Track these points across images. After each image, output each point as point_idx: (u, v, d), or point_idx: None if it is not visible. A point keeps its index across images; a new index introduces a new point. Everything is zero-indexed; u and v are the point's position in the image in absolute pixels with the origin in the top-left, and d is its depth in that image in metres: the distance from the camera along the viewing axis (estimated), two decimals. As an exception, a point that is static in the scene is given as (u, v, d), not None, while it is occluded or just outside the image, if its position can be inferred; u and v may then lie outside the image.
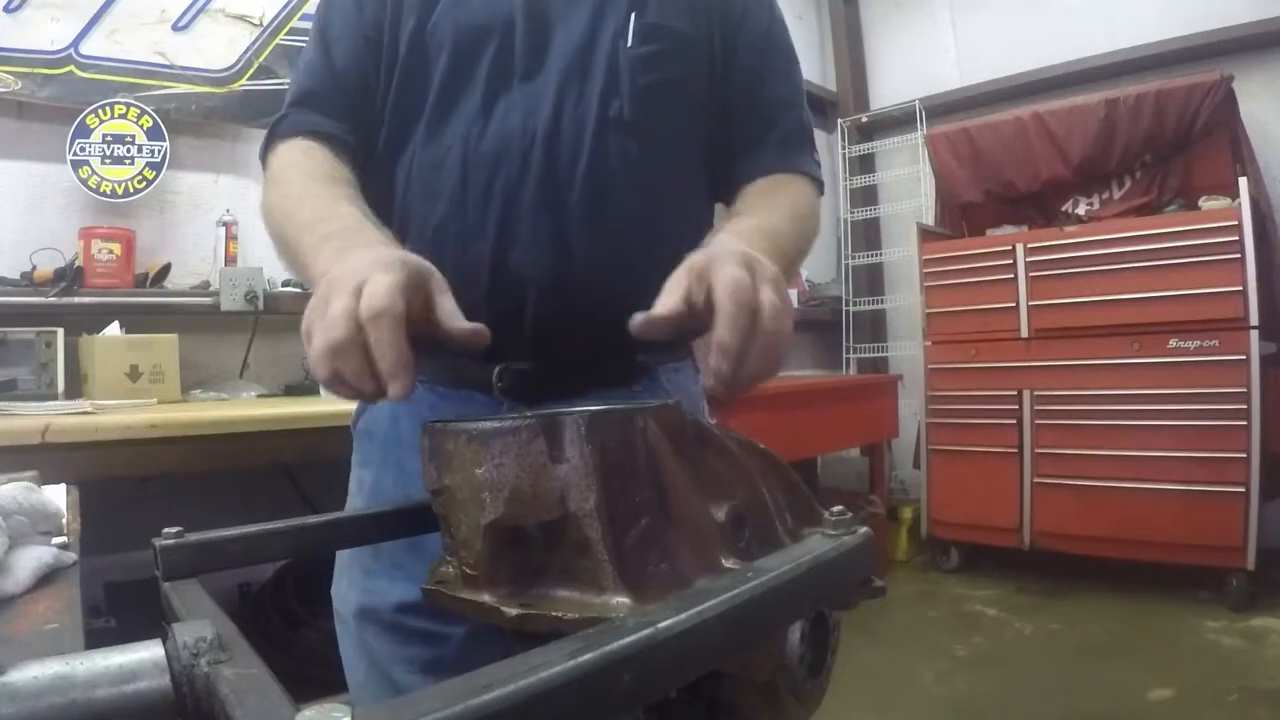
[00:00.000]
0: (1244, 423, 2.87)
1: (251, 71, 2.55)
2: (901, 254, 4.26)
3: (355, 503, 0.88)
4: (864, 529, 0.46)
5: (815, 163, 0.95)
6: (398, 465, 0.83)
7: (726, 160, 0.91)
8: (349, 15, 0.87)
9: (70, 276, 2.07)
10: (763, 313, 0.55)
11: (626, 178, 0.80)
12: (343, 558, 0.86)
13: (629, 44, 0.83)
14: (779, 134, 0.92)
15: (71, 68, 2.23)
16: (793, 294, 3.43)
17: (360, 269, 0.54)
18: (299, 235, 0.71)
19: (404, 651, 0.80)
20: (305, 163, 0.81)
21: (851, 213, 4.61)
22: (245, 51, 2.55)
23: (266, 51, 2.58)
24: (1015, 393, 3.39)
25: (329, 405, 1.74)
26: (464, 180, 0.81)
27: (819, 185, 0.94)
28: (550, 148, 0.80)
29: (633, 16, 0.84)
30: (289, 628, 2.09)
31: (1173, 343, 3.03)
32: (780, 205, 0.86)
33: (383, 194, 0.85)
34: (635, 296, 0.77)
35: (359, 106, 0.86)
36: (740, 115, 0.91)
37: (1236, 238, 2.90)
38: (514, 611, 0.44)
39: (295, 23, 2.62)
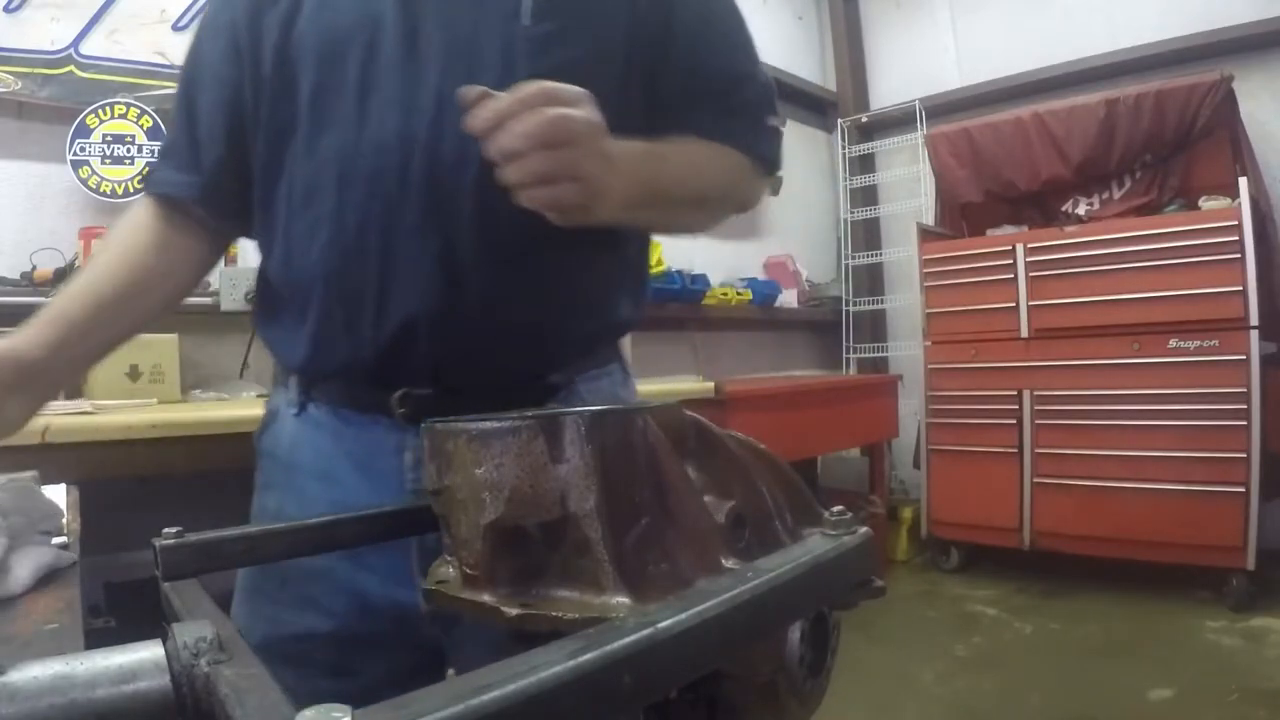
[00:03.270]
0: (1244, 423, 2.86)
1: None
2: (901, 254, 4.26)
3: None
4: (864, 529, 0.46)
5: (766, 140, 0.85)
6: (300, 491, 0.78)
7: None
8: (211, 57, 0.82)
9: (70, 276, 2.06)
10: (549, 99, 0.57)
11: None
12: (245, 584, 0.80)
13: (526, 22, 0.74)
14: (720, 105, 0.82)
15: (71, 68, 2.23)
16: (790, 295, 3.39)
17: None
18: None
19: (307, 685, 0.73)
20: (120, 233, 0.82)
21: (851, 213, 4.61)
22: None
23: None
24: (1015, 393, 3.39)
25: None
26: (340, 202, 0.73)
27: (765, 166, 0.85)
28: (433, 154, 0.71)
29: None
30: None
31: (1173, 343, 3.03)
32: (689, 143, 0.77)
33: (268, 223, 0.80)
34: (540, 319, 0.76)
35: (221, 156, 0.81)
36: (676, 94, 0.81)
37: (1236, 238, 2.90)
38: (514, 611, 0.44)
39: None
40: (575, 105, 0.59)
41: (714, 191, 0.82)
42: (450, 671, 0.81)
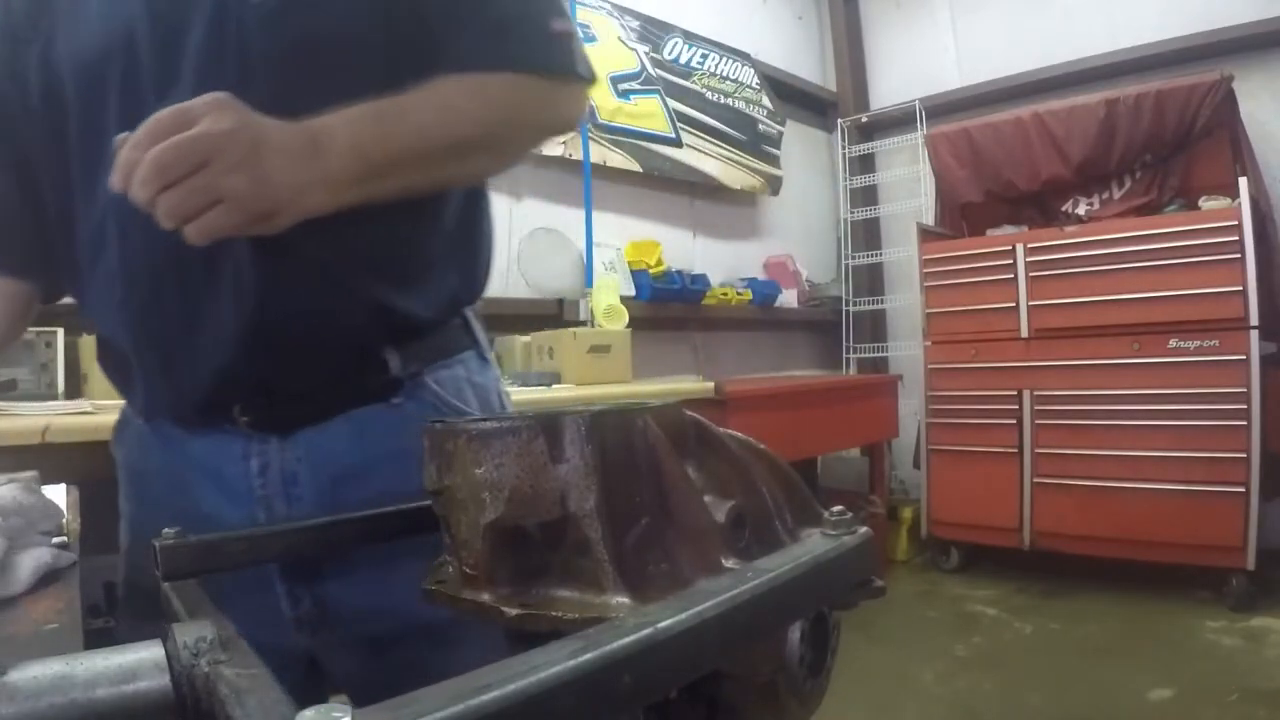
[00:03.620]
0: (1244, 423, 2.86)
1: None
2: (901, 254, 4.26)
3: (124, 537, 0.79)
4: (864, 529, 0.46)
5: (548, 48, 0.72)
6: (152, 502, 0.76)
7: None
8: None
9: None
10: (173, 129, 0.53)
11: None
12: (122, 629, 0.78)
13: (252, 1, 0.65)
14: (481, 24, 0.70)
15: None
16: (790, 295, 3.39)
17: None
18: None
19: None
20: None
21: (851, 213, 4.61)
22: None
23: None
24: (1015, 393, 3.39)
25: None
26: (124, 256, 0.68)
27: (558, 75, 0.74)
28: None
29: None
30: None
31: (1173, 343, 3.03)
32: (431, 89, 0.67)
33: (72, 279, 0.76)
34: (349, 318, 0.72)
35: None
36: (438, 24, 0.70)
37: (1236, 238, 2.90)
38: (514, 611, 0.44)
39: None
40: (199, 121, 0.54)
41: (479, 130, 0.70)
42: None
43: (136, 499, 0.78)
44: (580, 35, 0.79)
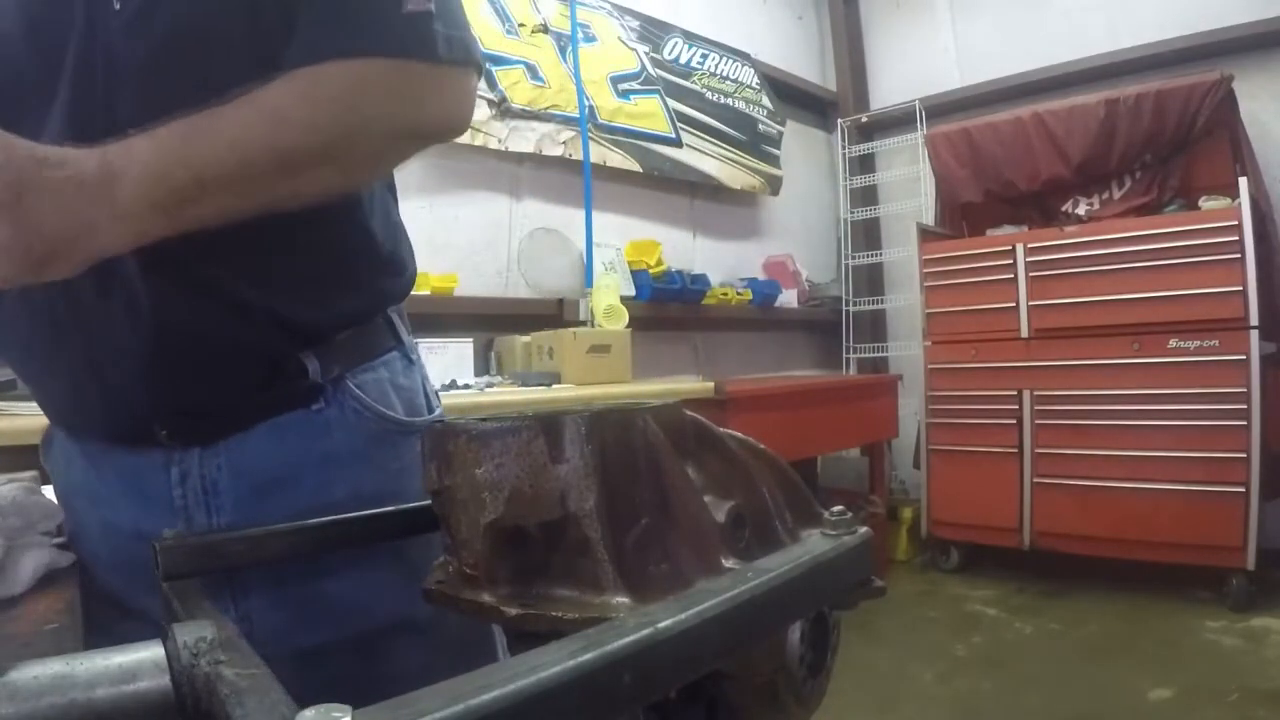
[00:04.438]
0: (1244, 423, 2.86)
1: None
2: (901, 254, 4.26)
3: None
4: (864, 529, 0.46)
5: (394, 26, 0.62)
6: (73, 511, 0.74)
7: None
8: None
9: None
10: None
11: None
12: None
13: (116, 7, 0.61)
14: (321, 3, 0.63)
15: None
16: (790, 295, 3.38)
17: None
18: None
19: None
20: None
21: (851, 213, 4.61)
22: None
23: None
24: (1015, 393, 3.39)
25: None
26: (21, 289, 0.61)
27: (410, 54, 0.63)
28: None
29: None
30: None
31: (1173, 343, 3.03)
32: (242, 102, 0.58)
33: None
34: (253, 329, 0.68)
35: None
36: (272, 14, 0.63)
37: (1236, 238, 2.90)
38: (514, 611, 0.44)
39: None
40: None
41: (310, 138, 0.60)
42: None
43: (69, 510, 0.76)
44: (453, 15, 0.67)
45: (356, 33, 0.61)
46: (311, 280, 0.71)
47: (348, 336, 0.74)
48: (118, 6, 0.61)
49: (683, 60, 3.75)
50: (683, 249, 3.85)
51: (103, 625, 0.68)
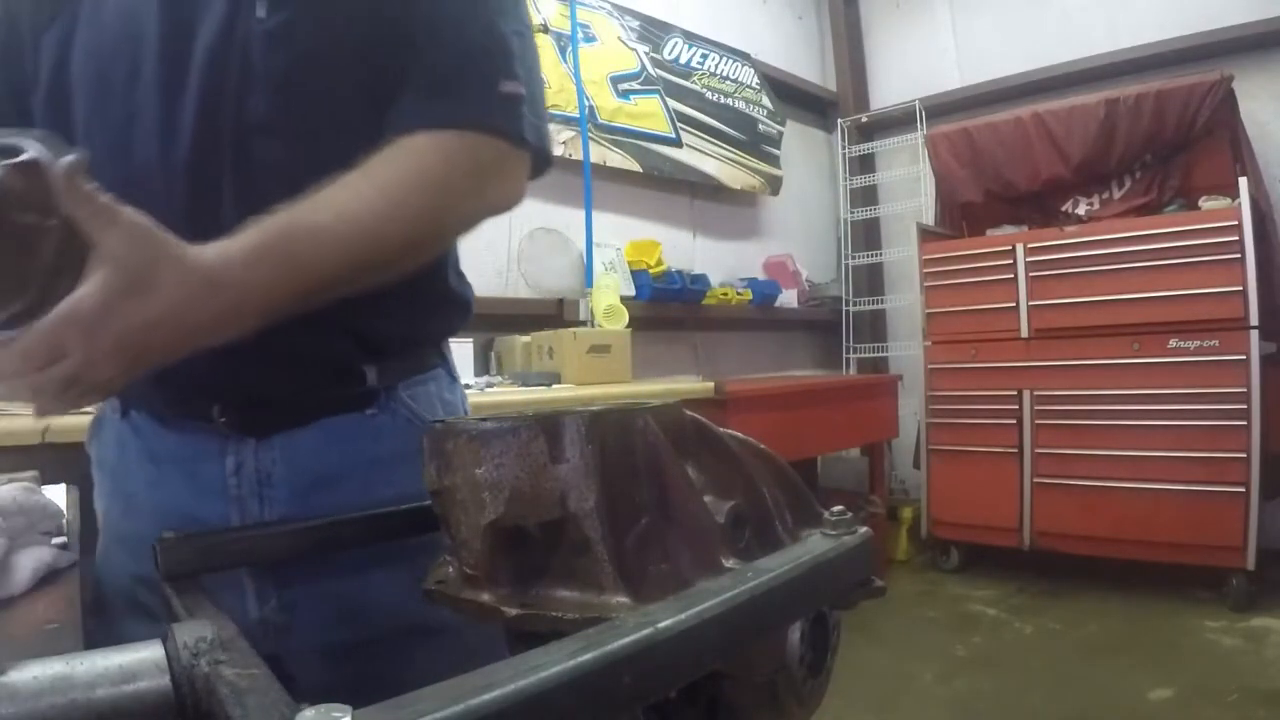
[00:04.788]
0: (1244, 423, 2.87)
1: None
2: (901, 254, 4.26)
3: (102, 539, 0.78)
4: (864, 529, 0.46)
5: (498, 104, 0.68)
6: (126, 498, 0.76)
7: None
8: None
9: (70, 276, 2.07)
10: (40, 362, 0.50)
11: (281, 195, 0.61)
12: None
13: (260, 15, 0.65)
14: (429, 72, 0.67)
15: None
16: (790, 295, 3.38)
17: None
18: None
19: None
20: None
21: (851, 213, 4.61)
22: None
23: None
24: (1015, 393, 3.39)
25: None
26: None
27: (506, 139, 0.69)
28: (194, 179, 0.65)
29: None
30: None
31: (1173, 343, 3.04)
32: (347, 190, 0.62)
33: None
34: (330, 337, 0.71)
35: None
36: (392, 63, 0.68)
37: (1236, 238, 2.90)
38: (514, 611, 0.44)
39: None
40: (70, 352, 0.51)
41: (413, 229, 0.66)
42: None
43: (113, 494, 0.77)
44: (538, 104, 0.72)
45: (460, 105, 0.67)
46: (397, 306, 0.74)
47: (406, 353, 0.78)
48: (262, 15, 0.65)
49: (683, 60, 3.75)
50: (683, 249, 3.85)
51: (144, 606, 0.70)
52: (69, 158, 0.48)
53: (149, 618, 0.70)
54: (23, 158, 0.47)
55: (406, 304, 0.75)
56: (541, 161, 0.75)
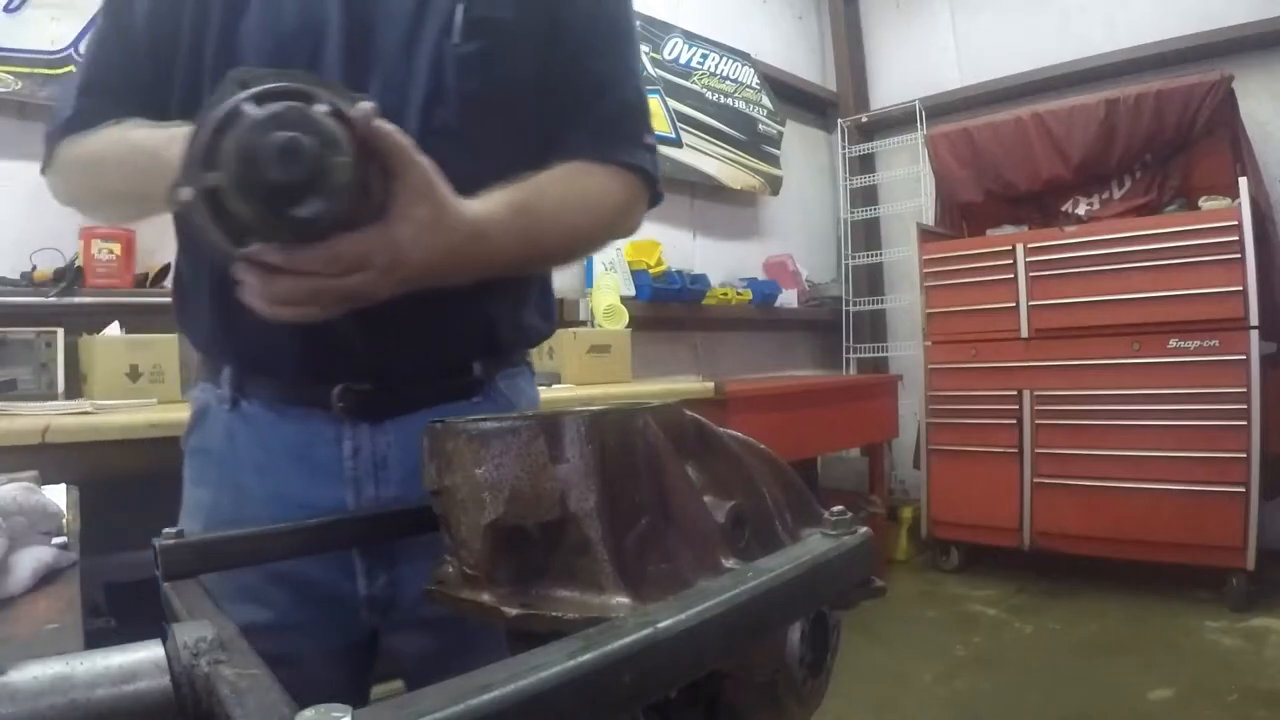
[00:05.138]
0: (1244, 423, 2.87)
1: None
2: (901, 254, 4.26)
3: (192, 524, 0.78)
4: (864, 529, 0.46)
5: (644, 151, 0.84)
6: (236, 487, 0.78)
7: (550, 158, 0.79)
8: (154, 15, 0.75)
9: (70, 276, 2.07)
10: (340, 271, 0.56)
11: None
12: None
13: (455, 41, 0.74)
14: (596, 117, 0.82)
15: (72, 68, 2.23)
16: (790, 295, 3.37)
17: None
18: (156, 151, 0.63)
19: None
20: (115, 132, 0.72)
21: (851, 213, 4.62)
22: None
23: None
24: (1015, 393, 3.39)
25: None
26: None
27: (645, 179, 0.84)
28: None
29: (460, 9, 0.74)
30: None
31: (1173, 343, 3.04)
32: (554, 185, 0.75)
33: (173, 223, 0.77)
34: (467, 318, 0.77)
35: (159, 101, 0.75)
36: (559, 101, 0.81)
37: (1236, 238, 2.90)
38: (514, 611, 0.44)
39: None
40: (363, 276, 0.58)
41: (581, 235, 0.80)
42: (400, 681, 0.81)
43: (221, 484, 0.79)
44: (657, 154, 0.88)
45: (621, 148, 0.82)
46: (522, 303, 0.84)
47: (508, 349, 0.86)
48: (456, 41, 0.74)
49: (683, 60, 3.75)
50: (683, 249, 3.85)
51: (251, 589, 0.72)
52: (366, 103, 0.53)
53: (252, 599, 0.72)
54: (334, 105, 0.51)
55: (532, 303, 0.86)
56: (657, 199, 0.89)
